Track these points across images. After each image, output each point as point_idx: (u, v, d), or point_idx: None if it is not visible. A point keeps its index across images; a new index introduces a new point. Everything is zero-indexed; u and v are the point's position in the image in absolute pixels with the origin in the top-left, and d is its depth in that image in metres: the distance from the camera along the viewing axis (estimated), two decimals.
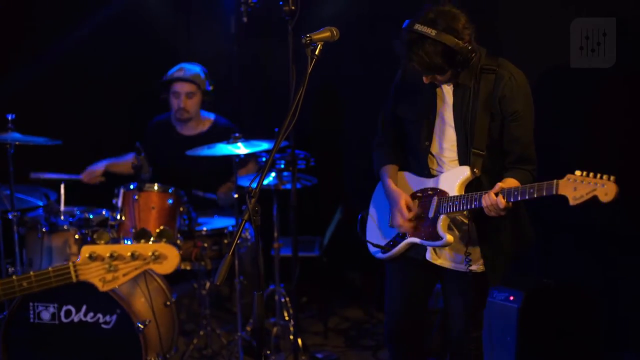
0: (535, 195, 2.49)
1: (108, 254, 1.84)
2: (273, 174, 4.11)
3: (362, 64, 4.83)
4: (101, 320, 3.42)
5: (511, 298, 3.50)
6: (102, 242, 1.92)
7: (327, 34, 2.58)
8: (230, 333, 4.25)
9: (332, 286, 4.70)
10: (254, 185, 2.28)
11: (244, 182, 4.05)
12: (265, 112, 5.37)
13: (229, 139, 3.86)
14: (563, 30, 3.65)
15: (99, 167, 4.42)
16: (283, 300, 4.18)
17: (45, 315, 3.44)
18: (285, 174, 4.04)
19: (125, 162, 4.48)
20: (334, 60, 4.80)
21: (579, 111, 3.75)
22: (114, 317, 3.42)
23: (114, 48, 5.08)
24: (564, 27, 3.65)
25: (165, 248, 1.87)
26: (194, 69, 4.41)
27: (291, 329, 3.93)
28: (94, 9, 4.95)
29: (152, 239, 3.61)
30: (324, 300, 4.74)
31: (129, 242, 3.56)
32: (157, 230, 1.52)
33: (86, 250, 1.86)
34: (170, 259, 1.87)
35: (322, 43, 2.57)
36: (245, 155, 3.95)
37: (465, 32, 2.65)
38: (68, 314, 3.43)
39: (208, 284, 4.07)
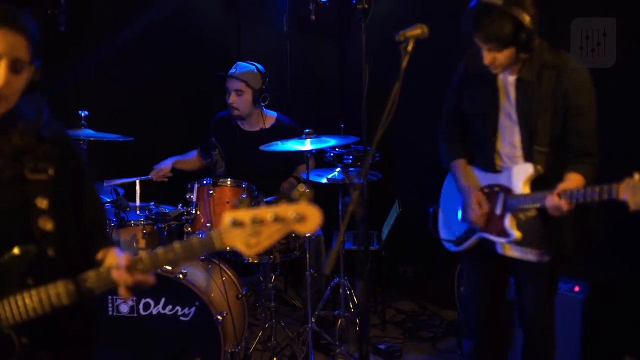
0: (597, 199, 2.49)
1: (250, 219, 1.77)
2: (338, 169, 4.18)
3: (415, 59, 4.87)
4: (179, 313, 3.50)
5: (576, 289, 3.54)
6: (244, 206, 1.83)
7: (418, 30, 2.64)
8: (290, 325, 4.32)
9: (385, 279, 4.77)
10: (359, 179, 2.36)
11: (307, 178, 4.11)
12: (316, 110, 5.44)
13: (291, 137, 3.93)
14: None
15: (167, 164, 4.50)
16: (348, 292, 4.25)
17: (124, 308, 3.50)
18: (351, 169, 4.10)
19: (190, 159, 4.63)
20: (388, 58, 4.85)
21: None
22: (193, 309, 3.49)
23: (165, 48, 5.16)
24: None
25: (305, 208, 1.77)
26: (247, 67, 4.46)
27: (358, 320, 4.00)
28: (146, 12, 5.03)
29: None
30: (379, 293, 4.81)
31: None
32: (298, 192, 1.51)
33: (228, 216, 1.78)
34: (311, 218, 1.76)
35: (413, 40, 2.66)
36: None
37: (530, 9, 2.68)
38: (147, 306, 3.50)
39: (274, 277, 4.15)
